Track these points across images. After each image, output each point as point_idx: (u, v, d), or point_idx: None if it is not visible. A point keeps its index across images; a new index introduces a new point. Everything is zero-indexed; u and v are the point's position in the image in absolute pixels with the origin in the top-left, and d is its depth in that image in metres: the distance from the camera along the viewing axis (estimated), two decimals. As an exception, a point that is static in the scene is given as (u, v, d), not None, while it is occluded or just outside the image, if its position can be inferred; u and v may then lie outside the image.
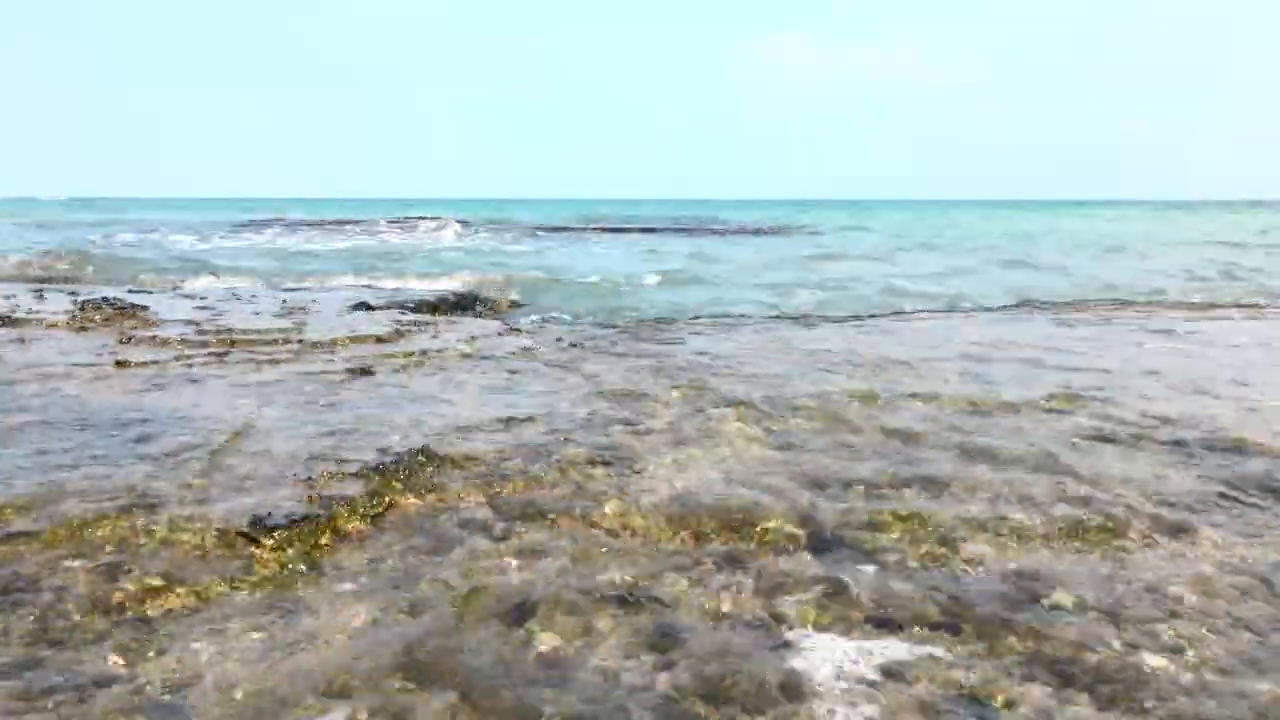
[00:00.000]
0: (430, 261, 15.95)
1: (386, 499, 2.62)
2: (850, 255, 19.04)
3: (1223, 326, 6.79)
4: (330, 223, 34.85)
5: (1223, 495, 2.74)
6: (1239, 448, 3.23)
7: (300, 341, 5.58)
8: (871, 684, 1.68)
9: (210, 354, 5.07)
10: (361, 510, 2.51)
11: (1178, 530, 2.44)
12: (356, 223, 34.47)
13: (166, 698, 1.63)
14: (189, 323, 6.37)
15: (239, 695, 1.64)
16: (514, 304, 10.19)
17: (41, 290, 8.34)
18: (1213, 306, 8.49)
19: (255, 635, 1.86)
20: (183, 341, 5.46)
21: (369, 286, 10.36)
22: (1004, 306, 8.80)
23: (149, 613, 1.95)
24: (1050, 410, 3.81)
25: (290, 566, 2.18)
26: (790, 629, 1.89)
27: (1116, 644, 1.83)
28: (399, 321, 6.70)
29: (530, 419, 3.59)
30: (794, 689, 1.66)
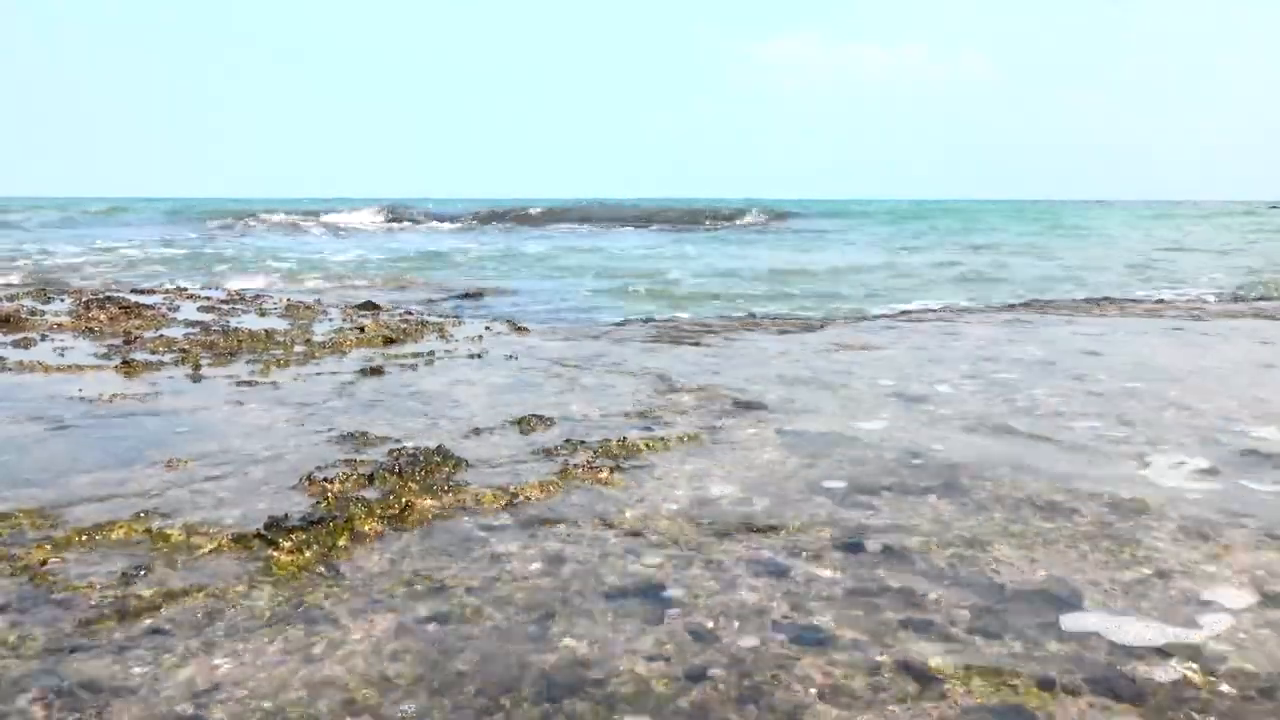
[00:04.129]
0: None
1: (404, 500, 2.57)
2: None
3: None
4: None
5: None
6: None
7: (308, 342, 5.54)
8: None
9: (217, 355, 5.02)
10: (379, 512, 2.46)
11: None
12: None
13: (185, 708, 1.58)
14: (195, 323, 6.33)
15: (260, 704, 1.59)
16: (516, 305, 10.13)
17: (45, 290, 8.30)
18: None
19: (275, 641, 1.81)
20: (189, 342, 5.41)
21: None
22: None
23: (166, 619, 1.90)
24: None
25: (309, 569, 2.13)
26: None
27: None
28: (406, 321, 6.66)
29: (544, 419, 3.54)
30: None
